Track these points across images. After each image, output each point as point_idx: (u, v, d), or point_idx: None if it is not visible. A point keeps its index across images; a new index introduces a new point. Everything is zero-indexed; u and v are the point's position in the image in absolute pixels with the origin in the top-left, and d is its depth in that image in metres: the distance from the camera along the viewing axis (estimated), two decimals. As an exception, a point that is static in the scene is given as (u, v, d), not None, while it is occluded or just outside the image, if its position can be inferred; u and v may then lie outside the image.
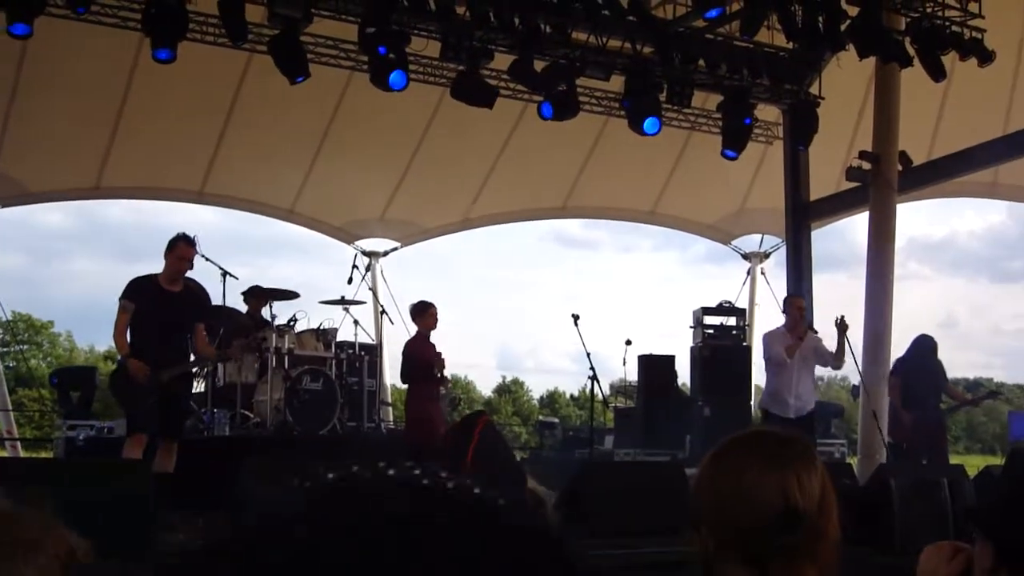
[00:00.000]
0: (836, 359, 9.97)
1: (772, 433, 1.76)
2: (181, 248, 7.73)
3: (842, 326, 9.90)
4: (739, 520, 1.63)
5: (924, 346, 11.20)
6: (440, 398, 10.27)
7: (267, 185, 17.12)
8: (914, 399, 10.77)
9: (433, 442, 9.02)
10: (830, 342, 10.04)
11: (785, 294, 15.86)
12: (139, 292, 7.60)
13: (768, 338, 10.17)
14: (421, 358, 9.76)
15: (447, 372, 10.14)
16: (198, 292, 8.19)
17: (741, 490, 1.63)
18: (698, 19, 12.54)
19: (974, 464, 14.22)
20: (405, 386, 10.40)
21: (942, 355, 11.45)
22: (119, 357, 7.90)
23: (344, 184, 17.16)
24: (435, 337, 9.93)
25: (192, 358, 8.07)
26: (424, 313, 9.92)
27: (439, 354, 9.96)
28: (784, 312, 10.40)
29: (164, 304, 7.61)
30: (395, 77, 11.45)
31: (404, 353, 10.02)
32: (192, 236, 7.96)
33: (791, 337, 9.96)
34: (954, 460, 13.86)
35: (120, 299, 7.59)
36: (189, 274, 8.05)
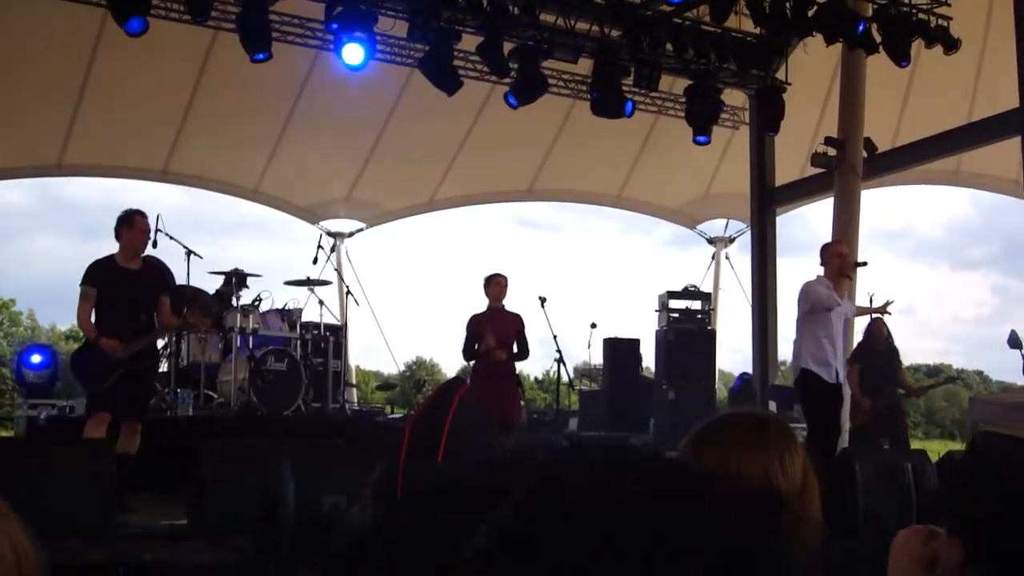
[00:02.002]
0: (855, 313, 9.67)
1: (752, 415, 1.74)
2: (138, 221, 7.60)
3: (877, 310, 9.79)
4: None
5: (879, 333, 11.29)
6: (491, 375, 9.52)
7: (232, 164, 16.96)
8: (871, 385, 10.88)
9: (505, 419, 9.09)
10: None
11: (750, 279, 16.03)
12: (99, 275, 7.49)
13: (811, 286, 8.55)
14: (477, 332, 9.49)
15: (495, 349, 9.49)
16: (158, 267, 8.10)
17: (724, 470, 1.61)
18: (665, 3, 12.53)
19: (934, 449, 14.36)
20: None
21: (903, 342, 11.58)
22: (85, 339, 7.78)
23: (310, 164, 17.04)
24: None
25: (156, 331, 7.96)
26: (490, 284, 9.74)
27: (487, 329, 9.48)
28: (823, 263, 8.78)
29: (126, 283, 7.51)
30: (349, 52, 11.39)
31: (467, 327, 9.65)
32: (155, 216, 7.88)
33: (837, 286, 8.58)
34: (914, 445, 13.99)
35: (80, 285, 7.47)
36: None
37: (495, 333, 9.48)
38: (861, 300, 10.45)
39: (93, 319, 7.47)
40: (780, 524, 1.57)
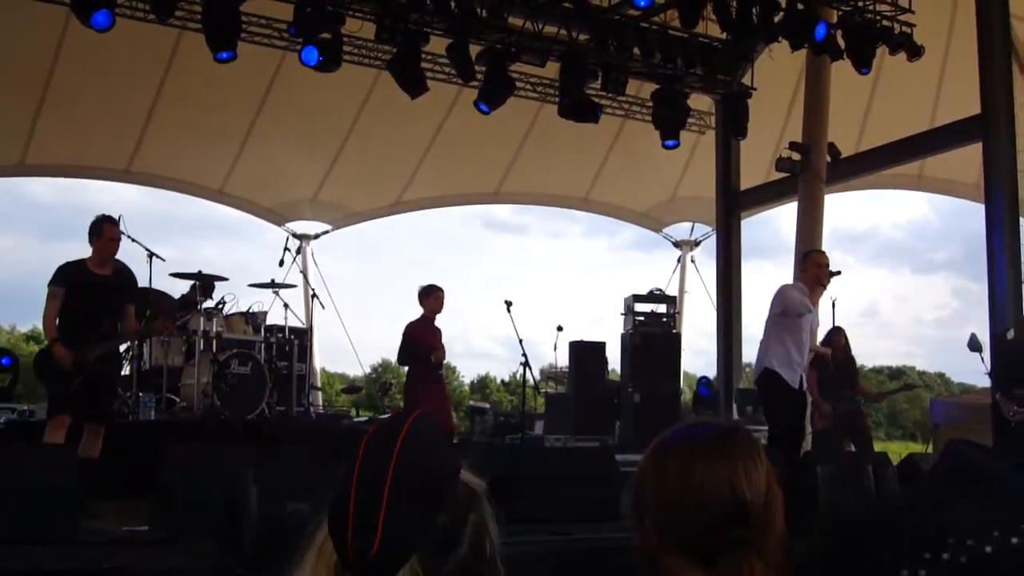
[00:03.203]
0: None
1: (715, 425, 1.74)
2: (108, 229, 7.59)
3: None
4: (686, 514, 1.60)
5: (838, 342, 11.35)
6: (440, 380, 10.27)
7: (196, 165, 16.86)
8: (830, 389, 10.95)
9: (446, 424, 9.34)
10: None
11: (715, 282, 16.12)
12: (69, 277, 7.45)
13: (787, 289, 8.74)
14: (422, 341, 9.81)
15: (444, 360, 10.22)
16: (127, 274, 8.06)
17: (688, 483, 1.61)
18: (632, 7, 12.57)
19: (896, 450, 14.49)
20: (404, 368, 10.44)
21: (865, 344, 11.68)
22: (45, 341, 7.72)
23: (275, 165, 16.96)
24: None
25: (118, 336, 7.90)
26: (430, 295, 9.96)
27: (441, 344, 10.01)
28: (801, 270, 9.26)
29: (95, 289, 7.49)
30: (307, 54, 11.36)
31: (404, 334, 10.00)
32: (117, 217, 7.82)
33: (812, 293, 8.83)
34: (876, 446, 14.11)
35: (49, 285, 7.44)
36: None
37: (433, 343, 9.87)
38: (825, 307, 10.53)
39: (57, 322, 7.42)
40: (745, 534, 1.58)
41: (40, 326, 7.81)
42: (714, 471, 1.60)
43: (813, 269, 8.79)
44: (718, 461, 1.61)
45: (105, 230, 7.58)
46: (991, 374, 11.14)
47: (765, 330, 8.80)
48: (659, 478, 1.65)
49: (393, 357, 10.62)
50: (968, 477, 1.78)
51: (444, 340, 10.01)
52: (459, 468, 1.31)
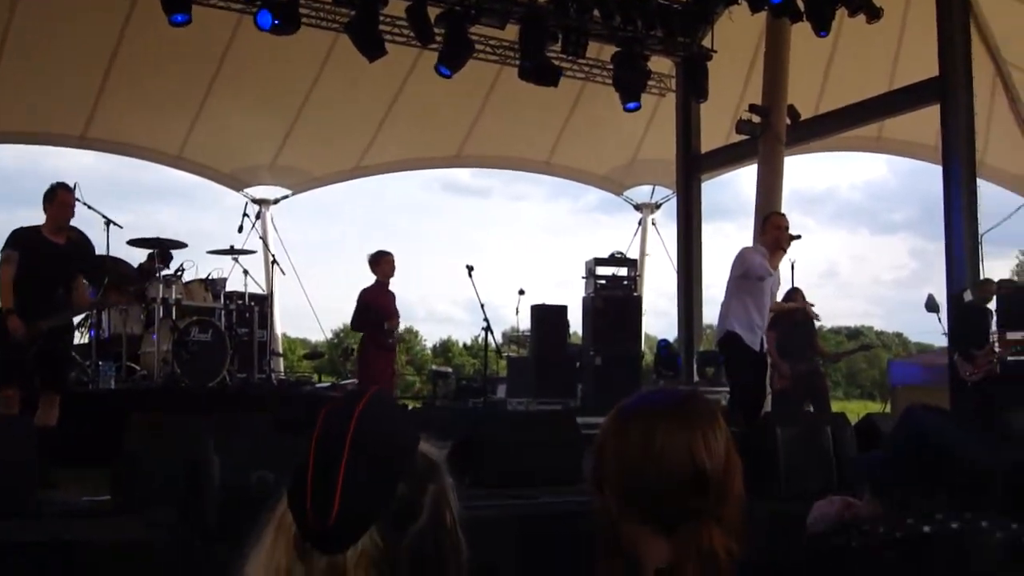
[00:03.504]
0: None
1: (675, 392, 1.75)
2: (61, 195, 7.51)
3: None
4: (647, 482, 1.61)
5: (794, 299, 11.46)
6: (391, 348, 10.52)
7: (153, 130, 16.64)
8: (789, 350, 11.05)
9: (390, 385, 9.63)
10: None
11: (675, 245, 16.18)
12: (23, 243, 7.36)
13: (748, 252, 8.75)
14: (376, 306, 10.04)
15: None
16: (82, 242, 7.98)
17: (648, 452, 1.62)
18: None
19: (854, 409, 14.69)
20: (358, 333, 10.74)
21: (825, 304, 11.79)
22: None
23: (233, 130, 16.76)
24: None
25: (71, 308, 7.82)
26: (380, 261, 10.16)
27: (395, 310, 10.30)
28: (761, 232, 9.25)
29: (49, 256, 7.40)
30: (262, 17, 11.30)
31: (358, 300, 10.15)
32: (72, 184, 7.74)
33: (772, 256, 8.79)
34: (835, 406, 14.28)
35: (3, 249, 7.33)
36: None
37: (388, 309, 10.17)
38: (784, 268, 10.58)
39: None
40: (705, 503, 1.59)
41: None
42: (674, 440, 1.61)
43: (773, 232, 8.81)
44: (677, 430, 1.62)
45: (59, 195, 7.49)
46: (948, 335, 11.31)
47: (726, 293, 8.85)
48: (619, 447, 1.66)
49: (355, 321, 10.66)
50: (926, 444, 1.81)
51: (403, 304, 10.17)
52: (418, 439, 1.31)
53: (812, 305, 11.18)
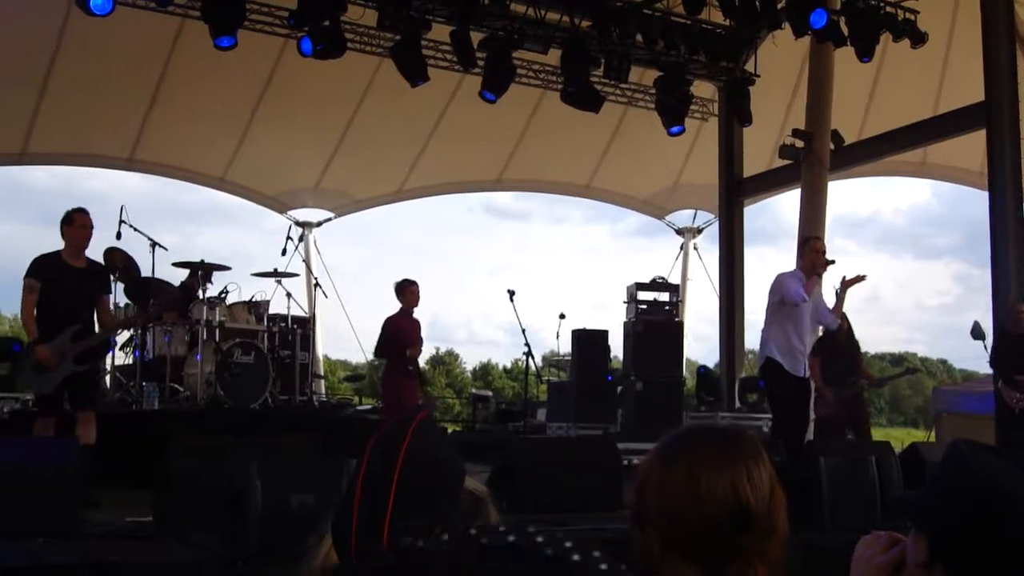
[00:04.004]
0: (835, 313, 9.19)
1: (720, 429, 1.73)
2: (79, 218, 7.57)
3: (846, 284, 9.09)
4: (690, 519, 1.58)
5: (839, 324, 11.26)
6: (411, 375, 10.43)
7: (199, 152, 16.85)
8: (833, 376, 10.89)
9: None
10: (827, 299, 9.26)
11: (717, 270, 16.10)
12: (45, 269, 7.42)
13: (784, 278, 8.76)
14: (398, 334, 10.08)
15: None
16: (99, 266, 8.08)
17: (692, 489, 1.59)
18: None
19: (897, 437, 14.52)
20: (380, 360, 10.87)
21: (867, 329, 11.64)
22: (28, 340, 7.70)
23: (278, 153, 16.94)
24: (382, 309, 10.20)
25: (97, 331, 7.87)
26: (405, 291, 10.25)
27: (420, 339, 10.38)
28: (799, 256, 9.30)
29: (71, 280, 7.46)
30: (305, 44, 11.50)
31: (383, 327, 10.28)
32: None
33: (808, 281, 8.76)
34: (878, 433, 14.12)
35: (25, 278, 7.40)
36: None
37: (412, 336, 10.25)
38: (827, 292, 10.48)
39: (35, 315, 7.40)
40: (749, 540, 1.57)
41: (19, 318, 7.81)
42: (718, 477, 1.59)
43: (810, 255, 8.81)
44: (722, 466, 1.60)
45: (76, 218, 7.56)
46: (992, 362, 11.15)
47: (765, 319, 8.83)
48: (662, 484, 1.63)
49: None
50: (970, 483, 1.77)
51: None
52: (463, 474, 1.31)
53: (861, 277, 10.42)
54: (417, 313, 10.46)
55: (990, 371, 11.41)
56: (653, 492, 1.64)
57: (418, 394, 10.42)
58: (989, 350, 11.20)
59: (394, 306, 10.39)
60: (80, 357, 7.41)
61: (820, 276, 8.85)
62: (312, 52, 11.53)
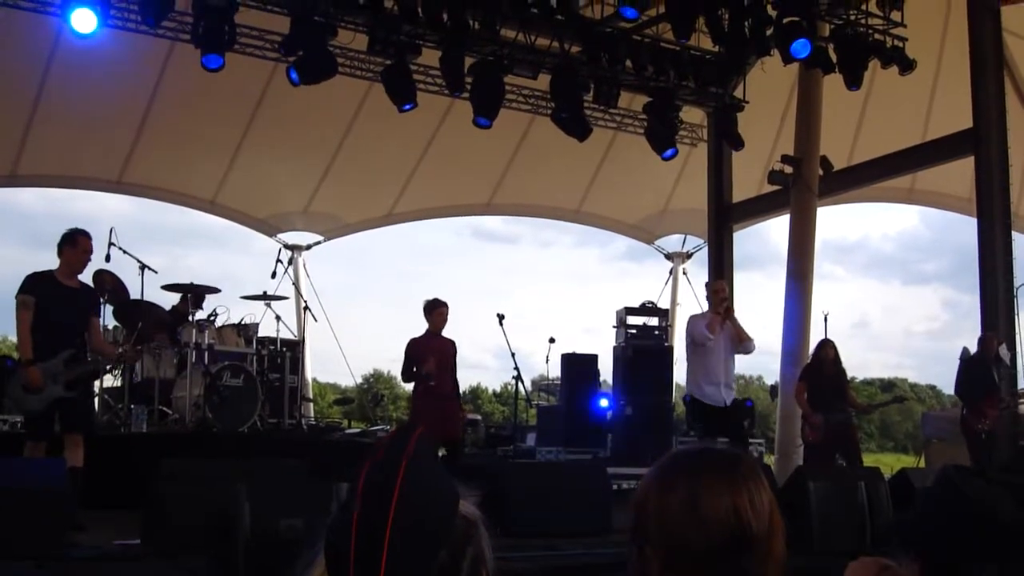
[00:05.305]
0: (742, 339, 9.88)
1: (717, 450, 1.71)
2: (83, 241, 7.50)
3: (725, 315, 9.83)
4: (691, 542, 1.56)
5: (826, 355, 11.23)
6: (431, 391, 9.72)
7: (188, 175, 16.84)
8: (821, 402, 10.88)
9: (448, 436, 9.53)
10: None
11: (706, 295, 16.12)
12: (38, 287, 7.36)
13: (692, 320, 10.02)
14: (415, 357, 9.63)
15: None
16: (91, 289, 8.04)
17: (694, 511, 1.57)
18: (622, 19, 12.56)
19: (887, 462, 14.52)
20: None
21: (856, 355, 11.71)
22: (16, 359, 7.62)
23: (268, 176, 16.95)
24: (371, 333, 9.98)
25: (89, 357, 7.79)
26: (432, 312, 9.77)
27: (428, 354, 9.63)
28: (708, 299, 10.36)
29: (64, 301, 7.39)
30: (294, 72, 11.49)
31: (405, 350, 9.77)
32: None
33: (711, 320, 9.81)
34: (868, 458, 14.11)
35: (18, 295, 7.28)
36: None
37: (436, 357, 9.65)
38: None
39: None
40: (749, 563, 1.56)
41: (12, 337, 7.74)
42: (719, 499, 1.57)
43: (711, 298, 10.03)
44: (724, 489, 1.58)
45: (80, 241, 7.47)
46: (957, 391, 11.30)
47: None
48: (662, 505, 1.61)
49: (384, 367, 10.65)
50: (960, 505, 1.77)
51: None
52: (458, 498, 1.30)
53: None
54: (400, 333, 10.18)
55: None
56: (652, 514, 1.62)
57: (441, 414, 9.85)
58: (955, 380, 11.34)
59: (397, 325, 10.16)
60: (71, 384, 7.34)
61: (719, 314, 9.77)
62: (300, 81, 11.54)
